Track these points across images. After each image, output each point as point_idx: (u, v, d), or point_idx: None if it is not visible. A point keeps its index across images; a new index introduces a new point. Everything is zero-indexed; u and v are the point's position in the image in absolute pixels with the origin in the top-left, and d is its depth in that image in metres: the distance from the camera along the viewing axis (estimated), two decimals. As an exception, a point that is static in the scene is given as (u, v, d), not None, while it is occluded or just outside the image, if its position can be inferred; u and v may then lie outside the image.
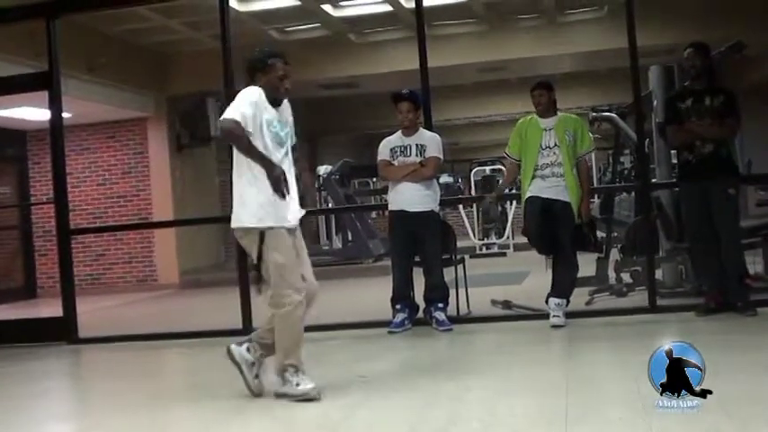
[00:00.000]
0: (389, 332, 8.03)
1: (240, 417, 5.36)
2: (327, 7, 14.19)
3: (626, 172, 13.75)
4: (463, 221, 20.05)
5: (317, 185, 18.45)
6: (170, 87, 16.21)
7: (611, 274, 9.77)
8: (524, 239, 8.53)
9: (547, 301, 7.86)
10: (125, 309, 13.40)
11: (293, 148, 5.82)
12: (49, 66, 9.18)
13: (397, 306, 8.18)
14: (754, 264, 8.76)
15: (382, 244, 15.82)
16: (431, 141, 8.13)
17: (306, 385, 5.42)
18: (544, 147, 7.79)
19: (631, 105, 9.58)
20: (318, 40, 15.41)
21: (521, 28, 15.83)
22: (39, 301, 15.68)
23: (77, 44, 12.53)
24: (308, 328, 7.17)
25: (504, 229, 19.60)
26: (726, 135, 7.66)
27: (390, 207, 8.28)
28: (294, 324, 5.50)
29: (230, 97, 8.67)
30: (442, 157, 8.20)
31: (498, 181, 20.77)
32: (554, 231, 7.76)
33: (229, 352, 5.72)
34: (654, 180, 9.43)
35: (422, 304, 8.29)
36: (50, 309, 10.10)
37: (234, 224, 5.70)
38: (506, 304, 9.05)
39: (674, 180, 8.45)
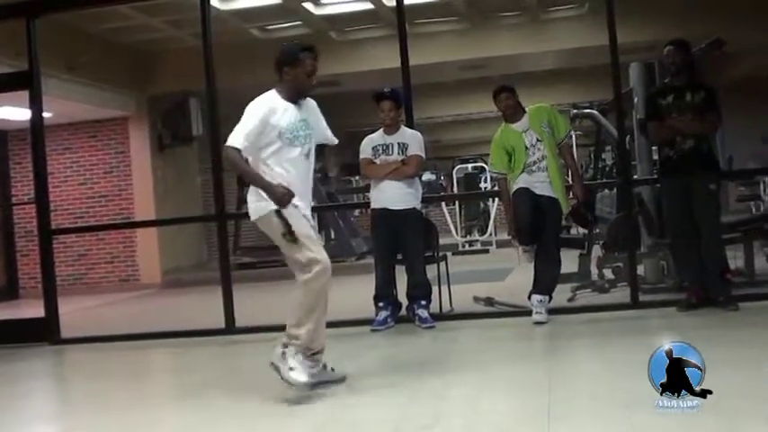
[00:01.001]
0: (372, 330, 8.04)
1: (226, 416, 5.35)
2: (309, 5, 14.18)
3: (607, 168, 13.80)
4: (446, 218, 20.07)
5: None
6: (151, 86, 16.14)
7: (594, 271, 9.79)
8: (507, 237, 8.54)
9: (529, 298, 7.87)
10: (107, 309, 13.34)
11: (320, 148, 5.82)
12: (29, 65, 9.14)
13: (380, 304, 8.18)
14: (735, 259, 8.80)
15: (365, 242, 15.83)
16: (413, 139, 8.14)
17: (298, 377, 5.34)
18: (529, 147, 7.80)
19: (612, 102, 9.60)
20: (299, 38, 15.36)
21: (502, 25, 15.86)
22: (21, 302, 15.61)
23: (58, 43, 12.47)
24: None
25: (487, 226, 19.63)
26: (707, 131, 7.68)
27: (373, 205, 8.28)
28: (313, 291, 5.40)
29: (212, 96, 8.81)
30: (423, 155, 8.20)
31: (481, 178, 20.90)
32: (540, 224, 7.78)
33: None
34: (635, 176, 9.47)
35: (404, 302, 8.30)
36: (32, 309, 10.06)
37: (253, 217, 5.62)
38: (489, 301, 9.06)
39: (656, 176, 8.48)
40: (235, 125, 5.52)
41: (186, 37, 14.51)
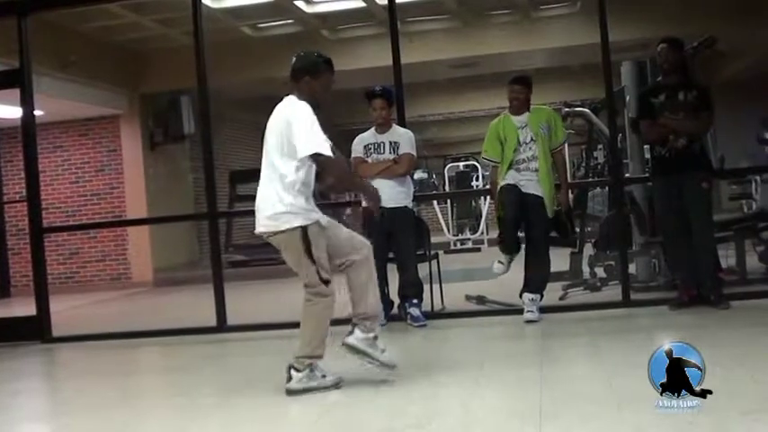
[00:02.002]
0: (364, 328, 8.01)
1: (217, 415, 5.35)
2: (300, 3, 14.16)
3: (599, 167, 13.79)
4: (437, 217, 20.07)
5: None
6: (143, 85, 16.11)
7: (585, 269, 9.80)
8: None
9: (521, 296, 7.87)
10: (99, 307, 13.33)
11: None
12: (20, 63, 9.12)
13: (372, 302, 8.16)
14: (726, 257, 8.82)
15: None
16: (404, 138, 8.14)
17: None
18: (521, 143, 7.80)
19: (604, 101, 9.60)
20: (291, 36, 15.36)
21: (494, 24, 15.86)
22: (12, 300, 15.56)
23: (49, 42, 12.44)
24: (280, 326, 7.18)
25: (479, 224, 19.63)
26: (700, 129, 7.67)
27: (364, 203, 8.27)
28: (312, 314, 5.61)
29: (203, 94, 8.79)
30: (415, 153, 8.20)
31: (473, 177, 20.88)
32: (526, 223, 7.78)
33: (348, 346, 5.64)
34: (627, 175, 9.48)
35: (396, 300, 8.30)
36: (24, 308, 10.03)
37: (284, 226, 5.52)
38: (480, 300, 9.07)
39: (647, 175, 8.48)
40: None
41: (177, 35, 14.46)
